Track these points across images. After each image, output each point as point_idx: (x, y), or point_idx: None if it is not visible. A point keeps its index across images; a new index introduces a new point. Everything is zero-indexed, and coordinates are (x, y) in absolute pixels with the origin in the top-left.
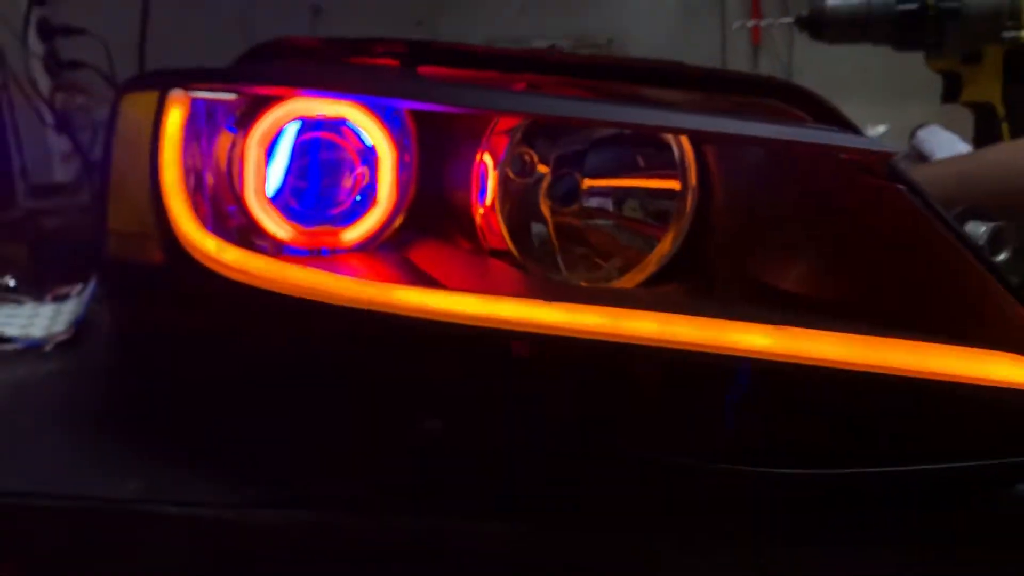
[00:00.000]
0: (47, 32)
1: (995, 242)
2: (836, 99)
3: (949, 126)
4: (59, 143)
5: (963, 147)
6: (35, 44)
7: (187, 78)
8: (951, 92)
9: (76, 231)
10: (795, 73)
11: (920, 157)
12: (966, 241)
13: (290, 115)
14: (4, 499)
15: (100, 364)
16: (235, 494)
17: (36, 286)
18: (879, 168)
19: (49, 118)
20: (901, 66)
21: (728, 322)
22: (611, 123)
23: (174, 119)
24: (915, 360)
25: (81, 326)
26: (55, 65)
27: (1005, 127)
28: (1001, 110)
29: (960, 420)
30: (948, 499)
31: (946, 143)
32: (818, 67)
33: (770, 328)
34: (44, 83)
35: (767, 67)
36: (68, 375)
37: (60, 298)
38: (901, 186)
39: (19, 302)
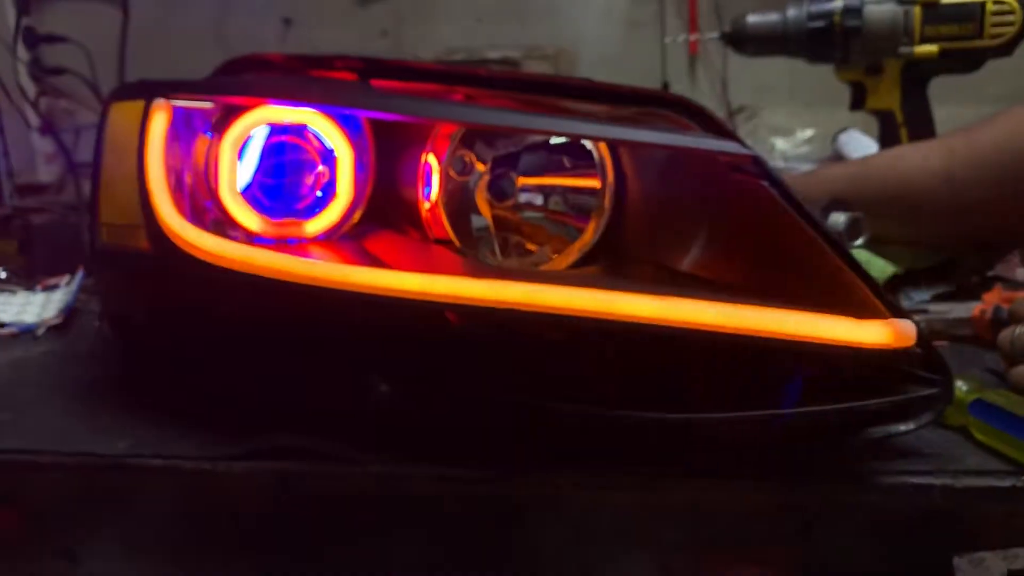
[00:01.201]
0: (32, 40)
1: (852, 229)
2: (767, 106)
3: (868, 130)
4: (43, 145)
5: (875, 148)
6: (21, 51)
7: (169, 88)
8: (857, 100)
9: (62, 227)
10: (730, 81)
11: (840, 158)
12: (818, 226)
13: (259, 121)
14: (10, 456)
15: (89, 346)
16: (211, 449)
17: (26, 278)
18: (746, 167)
19: (34, 121)
20: (827, 75)
21: (622, 293)
22: (532, 131)
23: (158, 125)
24: (772, 324)
25: (70, 313)
26: (39, 71)
27: (904, 132)
28: (900, 116)
29: (810, 372)
30: (798, 439)
31: (862, 146)
32: (750, 76)
33: (655, 298)
34: (29, 88)
35: (703, 76)
36: (60, 355)
37: (50, 288)
38: (764, 182)
39: (12, 291)
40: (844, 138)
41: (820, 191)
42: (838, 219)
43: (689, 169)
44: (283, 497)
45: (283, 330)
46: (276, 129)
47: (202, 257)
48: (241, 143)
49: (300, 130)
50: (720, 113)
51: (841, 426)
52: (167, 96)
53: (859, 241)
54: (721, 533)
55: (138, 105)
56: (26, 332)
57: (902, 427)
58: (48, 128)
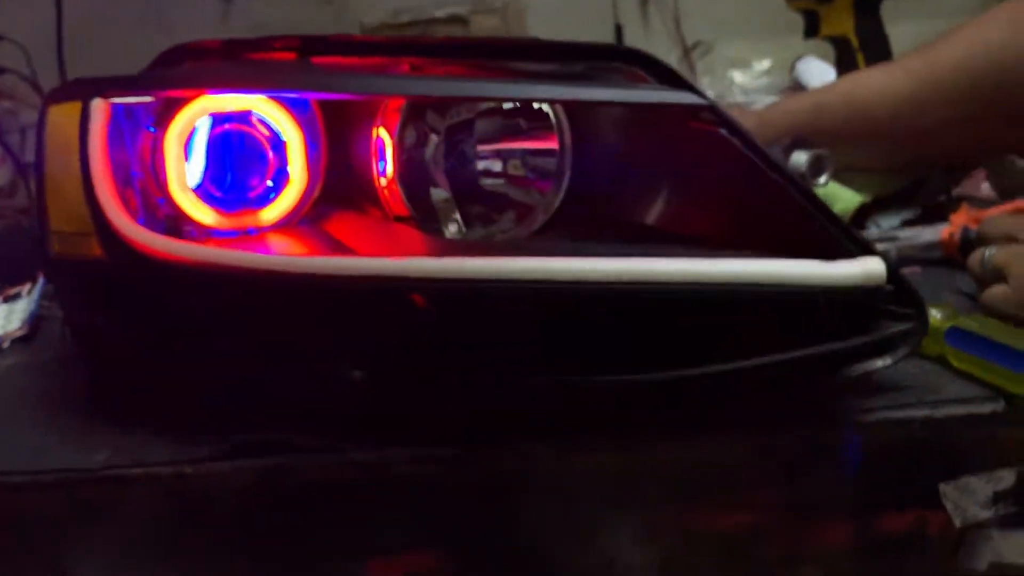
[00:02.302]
0: None
1: (815, 167)
2: (723, 39)
3: (826, 58)
4: None
5: (834, 75)
6: None
7: (106, 86)
8: (811, 28)
9: (17, 232)
10: (683, 18)
11: (800, 87)
12: (780, 169)
13: (201, 112)
14: None
15: (55, 354)
16: (189, 451)
17: None
18: (703, 116)
19: None
20: (779, 5)
21: (586, 258)
22: (482, 98)
23: (97, 126)
24: (738, 274)
25: (34, 322)
26: None
27: (860, 57)
28: (855, 42)
29: (781, 317)
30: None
31: (820, 73)
32: (704, 11)
33: (620, 260)
34: None
35: (656, 14)
36: (27, 367)
37: (11, 298)
38: (722, 130)
39: None
40: (802, 66)
41: (781, 124)
42: (800, 158)
43: (647, 122)
44: (267, 491)
45: (248, 325)
46: (221, 118)
47: (158, 259)
48: (186, 136)
49: (246, 117)
50: (675, 51)
51: (817, 368)
52: (104, 95)
53: (823, 179)
54: (705, 484)
55: (75, 107)
56: None
57: (879, 363)
58: None
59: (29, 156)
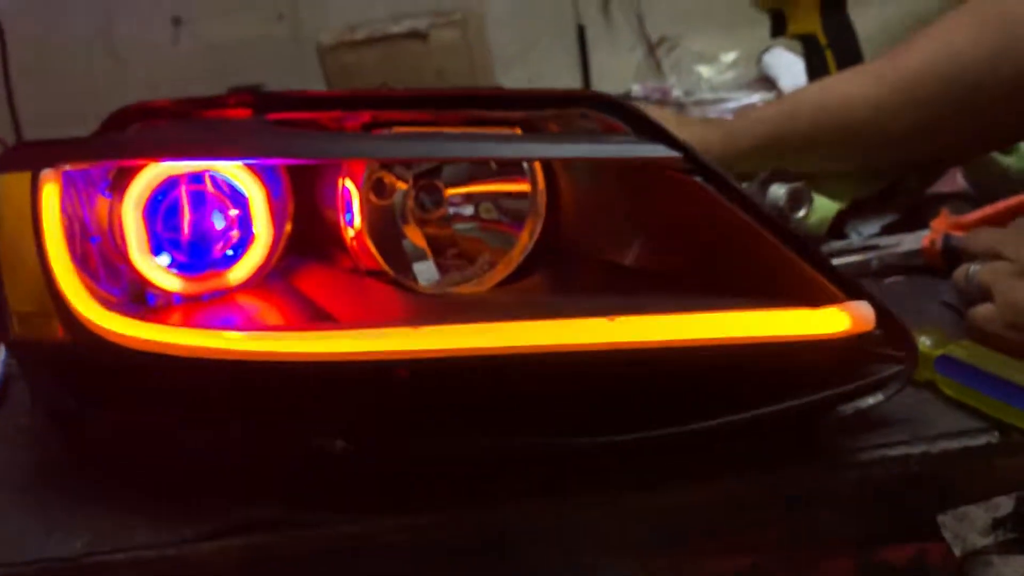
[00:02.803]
0: None
1: (794, 201)
2: (687, 32)
3: (791, 46)
4: None
5: (802, 67)
6: None
7: (56, 155)
8: (778, 27)
9: None
10: (645, 14)
11: (767, 80)
12: (760, 214)
13: (158, 177)
14: None
15: (27, 421)
16: (173, 533)
17: None
18: (677, 166)
19: None
20: None
21: (572, 321)
22: (452, 159)
23: (50, 198)
24: (726, 328)
25: (3, 386)
26: None
27: (829, 54)
28: (823, 39)
29: (768, 368)
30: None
31: (788, 64)
32: (667, 6)
33: (604, 321)
34: None
35: (618, 11)
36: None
37: None
38: (697, 178)
39: None
40: (769, 59)
41: (751, 134)
42: (778, 192)
43: (617, 165)
44: (255, 570)
45: (223, 405)
46: (178, 180)
47: (124, 344)
48: (144, 203)
49: (203, 176)
50: (640, 47)
51: (807, 413)
52: (54, 164)
53: (802, 212)
54: (702, 528)
55: (25, 177)
56: None
57: (870, 400)
58: None
59: None
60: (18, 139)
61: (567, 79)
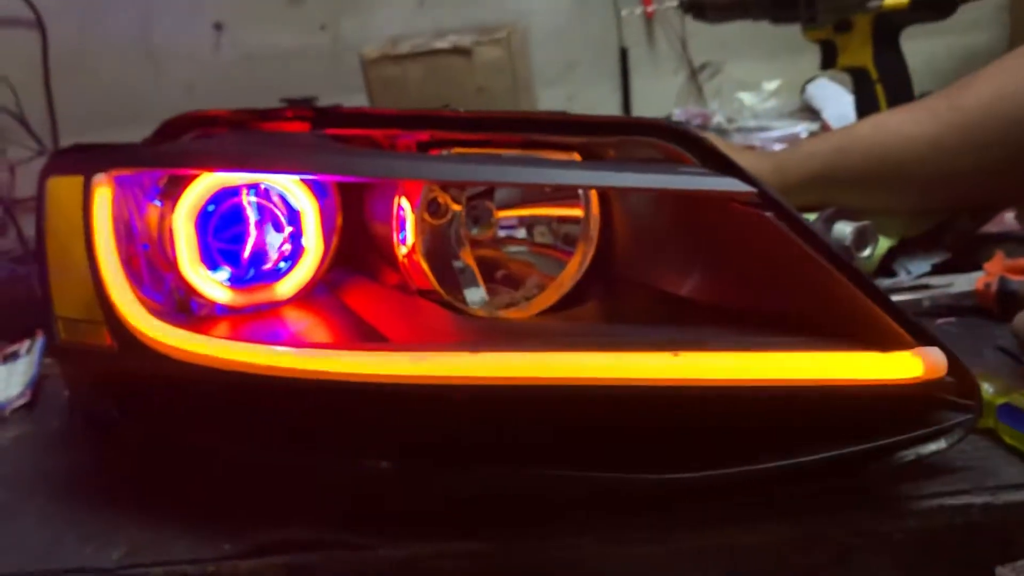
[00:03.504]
0: None
1: (860, 240)
2: (730, 58)
3: (837, 76)
4: None
5: (849, 98)
6: None
7: (109, 160)
8: (828, 59)
9: (11, 283)
10: (689, 38)
11: (810, 110)
12: (832, 255)
13: (212, 188)
14: None
15: (60, 425)
16: (212, 549)
17: None
18: (749, 200)
19: None
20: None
21: (636, 355)
22: (514, 184)
23: (102, 204)
24: (794, 369)
25: (36, 386)
26: None
27: (879, 88)
28: (874, 73)
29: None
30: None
31: (833, 96)
32: (710, 31)
33: (669, 356)
34: None
35: (662, 36)
36: (32, 441)
37: (10, 358)
38: (768, 213)
39: None
40: (814, 89)
41: (802, 169)
42: (844, 230)
43: (681, 196)
44: None
45: (270, 420)
46: (231, 191)
47: (172, 355)
48: (197, 213)
49: (256, 187)
50: (682, 72)
51: (867, 458)
52: (107, 170)
53: (867, 252)
54: (753, 571)
55: (77, 181)
56: None
57: (932, 446)
58: None
59: (18, 193)
60: (55, 137)
61: (607, 101)
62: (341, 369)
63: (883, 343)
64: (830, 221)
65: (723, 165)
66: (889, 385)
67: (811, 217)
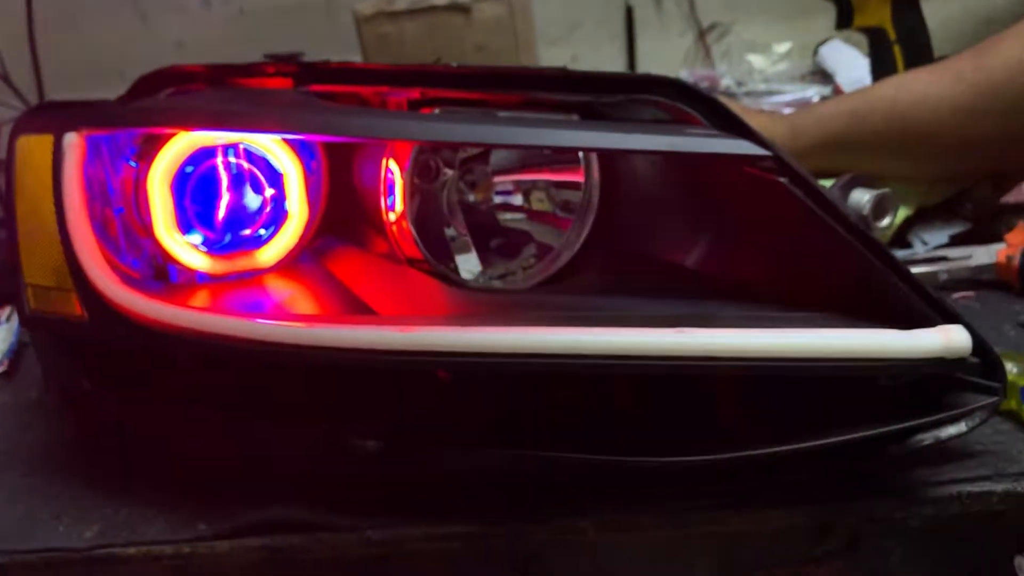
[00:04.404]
0: None
1: (879, 209)
2: (739, 19)
3: (850, 39)
4: None
5: (863, 61)
6: None
7: (81, 119)
8: (844, 19)
9: None
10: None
11: (822, 73)
12: (848, 223)
13: (189, 148)
14: None
15: (38, 395)
16: (189, 529)
17: None
18: (763, 165)
19: None
20: None
21: (635, 330)
22: (513, 146)
23: (72, 164)
24: (807, 346)
25: (15, 355)
26: None
27: (897, 49)
28: (892, 33)
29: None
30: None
31: (847, 59)
32: None
33: (670, 332)
34: None
35: None
36: (8, 412)
37: None
38: (783, 179)
39: None
40: (826, 51)
41: (817, 132)
42: (862, 198)
43: (689, 159)
44: (274, 573)
45: (249, 394)
46: (208, 151)
47: (146, 324)
48: (172, 175)
49: (235, 148)
50: (690, 33)
51: (884, 441)
52: (79, 128)
53: (886, 221)
54: (761, 557)
55: (47, 140)
56: None
57: (951, 430)
58: None
59: (3, 154)
60: (40, 96)
61: (612, 62)
62: (325, 343)
63: (902, 320)
64: (847, 188)
65: (735, 127)
66: (908, 365)
67: (827, 183)
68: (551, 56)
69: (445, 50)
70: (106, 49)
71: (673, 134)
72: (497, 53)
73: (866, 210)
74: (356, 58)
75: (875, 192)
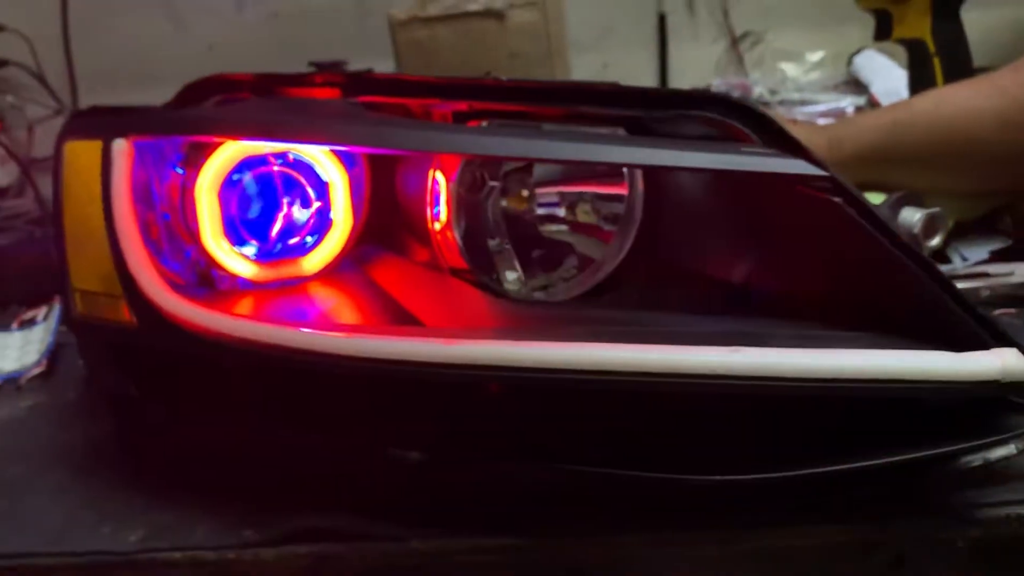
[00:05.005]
0: None
1: (929, 228)
2: (773, 27)
3: (885, 48)
4: None
5: (899, 72)
6: None
7: (129, 125)
8: (883, 30)
9: (28, 245)
10: (731, 5)
11: (856, 83)
12: (902, 244)
13: (237, 156)
14: (11, 560)
15: (77, 396)
16: (234, 535)
17: None
18: (818, 185)
19: None
20: None
21: (689, 349)
22: (564, 161)
23: (121, 171)
24: (862, 367)
25: (52, 355)
26: None
27: (936, 62)
28: (932, 46)
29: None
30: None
31: (883, 69)
32: None
33: (724, 351)
34: None
35: (702, 2)
36: (48, 412)
37: (26, 324)
38: (838, 199)
39: None
40: (860, 60)
41: (856, 144)
42: (912, 217)
43: (738, 176)
44: None
45: (296, 402)
46: (257, 160)
47: (195, 331)
48: (220, 183)
49: (282, 157)
50: (722, 41)
51: (931, 462)
52: (127, 135)
53: (936, 240)
54: (807, 575)
55: (95, 146)
56: (9, 381)
57: (1001, 451)
58: None
59: (36, 153)
60: (73, 96)
61: (643, 69)
62: (372, 352)
63: (955, 341)
64: (896, 207)
65: (790, 146)
66: (963, 388)
67: (875, 200)
68: (582, 63)
69: (478, 56)
70: (139, 51)
71: (728, 152)
72: (530, 59)
73: (916, 229)
74: (388, 63)
75: (926, 211)
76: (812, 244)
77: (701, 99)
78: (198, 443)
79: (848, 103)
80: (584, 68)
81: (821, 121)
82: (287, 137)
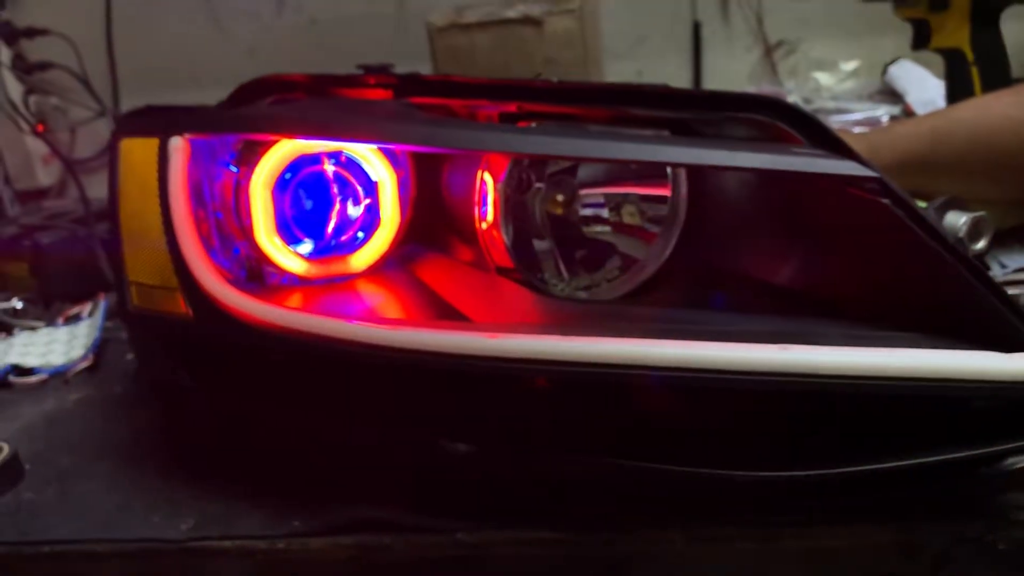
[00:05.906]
0: (11, 35)
1: (974, 232)
2: (807, 36)
3: (920, 59)
4: (38, 147)
5: (935, 82)
6: (1, 49)
7: (185, 123)
8: (920, 39)
9: (73, 243)
10: (765, 15)
11: (892, 93)
12: (949, 246)
13: (290, 155)
14: (64, 546)
15: (124, 388)
16: (282, 525)
17: (43, 306)
18: (866, 187)
19: (24, 122)
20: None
21: (736, 345)
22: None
23: (178, 168)
24: (911, 366)
25: (98, 350)
26: (24, 68)
27: (975, 71)
28: (970, 55)
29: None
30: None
31: (918, 79)
32: (787, 7)
33: (774, 349)
34: (15, 88)
35: (737, 10)
36: (96, 404)
37: (72, 319)
38: (886, 200)
39: (33, 328)
40: (895, 71)
41: (894, 152)
42: (957, 220)
43: (784, 177)
44: (364, 570)
45: (347, 396)
46: (309, 159)
47: (250, 323)
48: (274, 181)
49: (334, 156)
50: (757, 50)
51: (972, 463)
52: (184, 132)
53: (981, 244)
54: (848, 574)
55: (152, 143)
56: (55, 376)
57: None
58: (41, 128)
59: (78, 153)
60: (115, 99)
61: (677, 76)
62: (422, 346)
63: (1002, 342)
64: (942, 210)
65: (838, 148)
66: (1009, 387)
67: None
68: (617, 70)
69: (515, 62)
70: (180, 54)
71: (780, 153)
72: (565, 66)
73: (962, 232)
74: (426, 68)
75: (971, 215)
76: (859, 245)
77: (750, 101)
78: (246, 434)
79: (883, 112)
80: (618, 75)
81: (857, 130)
82: (347, 136)
